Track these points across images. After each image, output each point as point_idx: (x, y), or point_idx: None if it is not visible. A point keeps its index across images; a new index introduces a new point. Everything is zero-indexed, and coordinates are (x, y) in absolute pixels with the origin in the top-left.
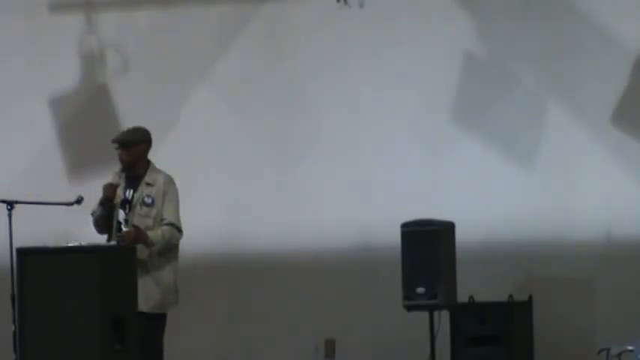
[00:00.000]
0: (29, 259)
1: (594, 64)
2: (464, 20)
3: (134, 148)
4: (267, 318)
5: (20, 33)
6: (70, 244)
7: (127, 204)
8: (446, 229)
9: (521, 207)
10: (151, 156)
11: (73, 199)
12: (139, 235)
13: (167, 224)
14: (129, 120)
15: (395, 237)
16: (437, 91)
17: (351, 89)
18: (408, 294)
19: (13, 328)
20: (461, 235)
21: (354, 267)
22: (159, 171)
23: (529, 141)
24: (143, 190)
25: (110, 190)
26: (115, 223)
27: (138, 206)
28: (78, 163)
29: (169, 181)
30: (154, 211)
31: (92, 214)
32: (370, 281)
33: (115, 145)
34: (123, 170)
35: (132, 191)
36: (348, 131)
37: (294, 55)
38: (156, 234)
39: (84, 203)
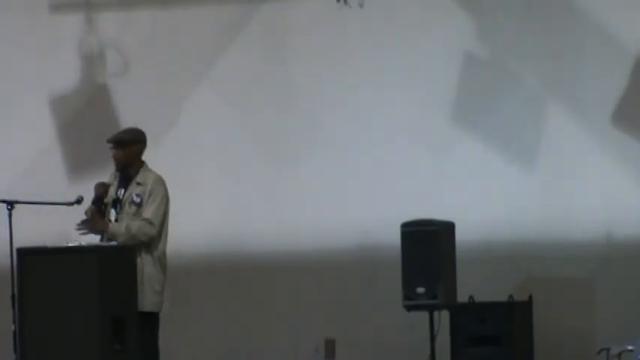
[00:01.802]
0: (29, 259)
1: (594, 64)
2: (464, 20)
3: (128, 148)
4: (267, 318)
5: (20, 33)
6: (70, 244)
7: (118, 203)
8: (446, 229)
9: (521, 207)
10: (151, 155)
11: (73, 199)
12: (95, 224)
13: (142, 220)
14: (129, 120)
15: (395, 237)
16: (437, 91)
17: (351, 89)
18: (408, 294)
19: (13, 328)
20: (461, 235)
21: (354, 267)
22: (150, 171)
23: (529, 141)
24: (133, 189)
25: (101, 188)
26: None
27: (127, 205)
28: (78, 163)
29: (158, 181)
30: (141, 210)
31: (85, 213)
32: (370, 281)
33: (110, 145)
34: (117, 170)
35: (123, 190)
36: (347, 131)
37: (294, 55)
38: (119, 227)
39: (84, 203)
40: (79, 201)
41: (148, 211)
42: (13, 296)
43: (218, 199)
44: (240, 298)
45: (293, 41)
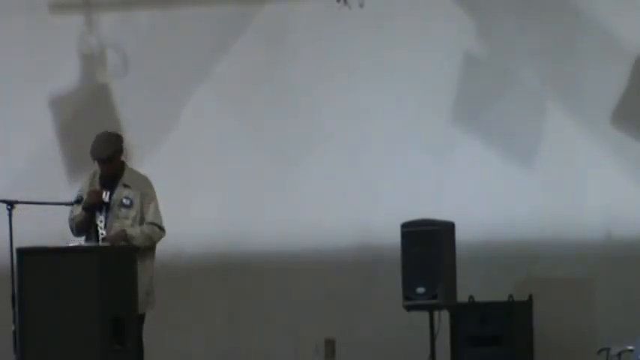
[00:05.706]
0: (29, 259)
1: (594, 64)
2: (464, 20)
3: (116, 160)
4: (267, 318)
5: (20, 33)
6: (70, 244)
7: (104, 206)
8: (446, 229)
9: (522, 207)
10: (151, 155)
11: (73, 199)
12: (117, 238)
13: (149, 224)
14: (129, 120)
15: (395, 237)
16: (437, 91)
17: (351, 89)
18: (408, 294)
19: (13, 328)
20: (461, 235)
21: (354, 267)
22: (134, 171)
23: (529, 141)
24: (121, 191)
25: (96, 196)
26: (93, 226)
27: (116, 208)
28: (78, 163)
29: (146, 182)
30: (132, 213)
31: (72, 219)
32: (370, 281)
33: (93, 159)
34: (102, 176)
35: (109, 193)
36: (348, 131)
37: (294, 55)
38: (134, 230)
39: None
40: (79, 201)
41: (151, 216)
42: (13, 296)
43: (218, 199)
44: (240, 298)
45: (293, 41)
